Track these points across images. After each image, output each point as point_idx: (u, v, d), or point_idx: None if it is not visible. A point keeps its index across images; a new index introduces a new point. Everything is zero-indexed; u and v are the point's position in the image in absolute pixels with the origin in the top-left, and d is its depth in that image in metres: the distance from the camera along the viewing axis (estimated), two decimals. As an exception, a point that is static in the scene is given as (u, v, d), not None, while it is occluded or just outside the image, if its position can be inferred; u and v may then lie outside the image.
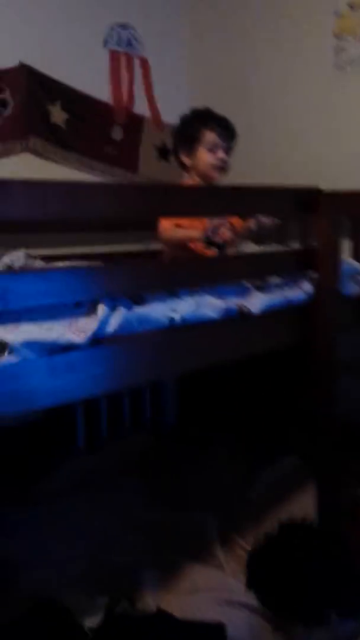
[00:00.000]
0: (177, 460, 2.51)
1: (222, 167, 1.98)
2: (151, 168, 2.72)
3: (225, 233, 1.75)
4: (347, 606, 1.06)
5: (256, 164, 2.23)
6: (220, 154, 1.97)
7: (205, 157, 1.96)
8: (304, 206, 1.69)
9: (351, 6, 2.17)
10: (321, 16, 2.28)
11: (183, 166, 2.03)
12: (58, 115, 2.43)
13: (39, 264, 1.72)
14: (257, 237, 1.96)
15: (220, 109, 2.00)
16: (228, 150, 2.00)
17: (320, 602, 1.05)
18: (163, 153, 2.76)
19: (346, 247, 2.07)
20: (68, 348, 1.22)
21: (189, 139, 1.98)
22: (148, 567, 1.75)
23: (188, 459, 2.49)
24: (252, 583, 1.19)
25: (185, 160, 2.00)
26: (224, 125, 1.99)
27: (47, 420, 2.30)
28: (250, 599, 1.59)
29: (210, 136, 1.96)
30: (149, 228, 2.51)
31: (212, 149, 1.95)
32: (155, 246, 2.64)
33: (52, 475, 2.37)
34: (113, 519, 2.05)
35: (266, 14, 2.49)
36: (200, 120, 1.98)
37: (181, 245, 1.91)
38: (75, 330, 1.24)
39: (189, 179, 2.00)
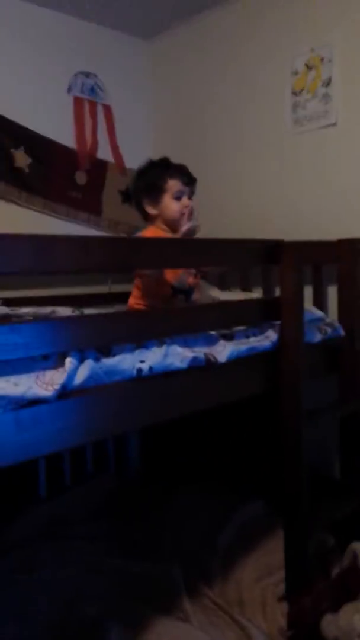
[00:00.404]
0: (142, 506, 2.47)
1: (190, 213, 1.98)
2: (114, 211, 2.75)
3: (190, 279, 1.76)
4: None
5: (215, 214, 2.26)
6: (186, 200, 1.98)
7: (172, 206, 1.97)
8: (269, 257, 1.73)
9: (308, 66, 2.28)
10: (280, 74, 2.36)
11: (146, 216, 2.03)
12: (21, 159, 2.44)
13: (2, 309, 1.70)
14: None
15: (182, 156, 2.02)
16: (191, 195, 2.02)
17: None
18: (126, 197, 2.79)
19: (309, 295, 2.14)
20: (35, 402, 1.20)
21: (153, 189, 1.98)
22: (113, 618, 1.71)
23: (154, 505, 2.45)
24: None
25: (150, 209, 2.00)
26: (185, 172, 2.01)
27: (6, 468, 2.23)
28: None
29: (174, 184, 1.97)
30: (111, 271, 2.53)
31: (178, 197, 1.97)
32: (117, 288, 2.67)
33: (12, 525, 2.29)
34: (76, 568, 2.00)
35: (228, 66, 2.57)
36: (163, 170, 1.99)
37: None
38: (42, 383, 1.22)
39: (155, 228, 2.00)
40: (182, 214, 1.95)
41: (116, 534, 2.23)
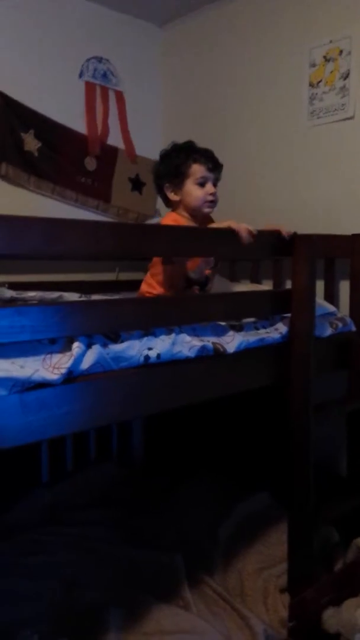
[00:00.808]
0: (144, 494, 2.47)
1: (213, 201, 1.90)
2: (124, 199, 2.73)
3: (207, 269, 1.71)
4: None
5: (227, 206, 2.23)
6: (210, 187, 1.89)
7: (194, 192, 1.87)
8: (281, 249, 1.71)
9: (326, 58, 2.24)
10: (297, 66, 2.32)
11: (167, 201, 1.95)
12: (31, 143, 2.42)
13: (9, 292, 1.70)
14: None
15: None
16: (216, 182, 1.93)
17: None
18: (136, 185, 2.78)
19: (320, 289, 2.12)
20: (41, 385, 1.19)
21: (176, 174, 1.88)
22: (113, 605, 1.71)
23: (156, 493, 2.45)
24: None
25: (172, 196, 1.91)
26: (210, 157, 1.91)
27: (9, 452, 2.23)
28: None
29: (198, 170, 1.87)
30: (121, 258, 2.52)
31: (201, 183, 1.88)
32: (125, 276, 2.66)
33: (15, 509, 2.29)
34: (78, 553, 2.01)
35: (242, 56, 2.54)
36: (187, 154, 1.89)
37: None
38: (49, 367, 1.21)
39: (176, 214, 1.91)
40: (205, 202, 1.88)
41: (118, 521, 2.24)
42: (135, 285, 2.37)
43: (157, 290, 1.86)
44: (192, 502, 2.29)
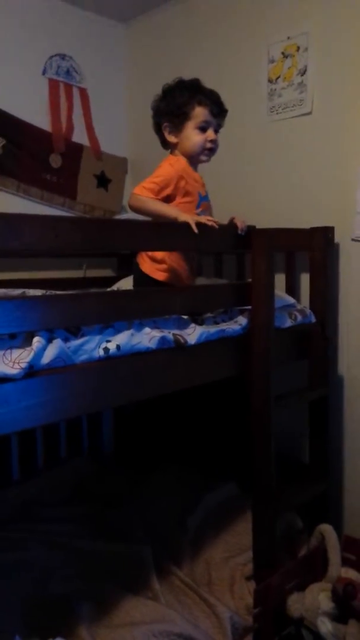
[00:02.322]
0: (114, 489, 2.48)
1: (212, 149, 1.78)
2: (90, 196, 2.74)
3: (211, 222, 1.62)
4: None
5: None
6: (211, 133, 1.76)
7: (194, 137, 1.75)
8: (240, 242, 1.74)
9: (284, 54, 2.28)
10: (256, 62, 2.35)
11: (166, 144, 1.83)
12: (-5, 140, 2.41)
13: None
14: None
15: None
16: (218, 128, 1.80)
17: None
18: (102, 181, 2.79)
19: (282, 283, 2.16)
20: (1, 380, 1.20)
21: (177, 114, 1.75)
22: (84, 598, 1.73)
23: (126, 488, 2.47)
24: None
25: (170, 137, 1.78)
26: (216, 100, 1.76)
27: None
28: (186, 629, 1.59)
29: (201, 113, 1.74)
30: (87, 255, 2.53)
31: (203, 128, 1.75)
32: (92, 273, 2.66)
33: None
34: (48, 548, 2.02)
35: (204, 52, 2.56)
36: (191, 94, 1.75)
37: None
38: (9, 362, 1.22)
39: (175, 157, 1.80)
40: (204, 149, 1.76)
41: (88, 516, 2.25)
42: (102, 282, 2.38)
43: (147, 264, 1.80)
44: (160, 495, 2.32)
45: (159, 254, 1.79)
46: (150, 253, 1.80)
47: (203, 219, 1.63)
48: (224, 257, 2.48)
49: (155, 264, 1.81)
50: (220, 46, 2.50)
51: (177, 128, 1.77)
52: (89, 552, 2.00)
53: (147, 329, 1.48)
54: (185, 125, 1.76)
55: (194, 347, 1.57)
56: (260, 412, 1.74)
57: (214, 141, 1.78)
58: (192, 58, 2.61)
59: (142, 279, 1.82)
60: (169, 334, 1.52)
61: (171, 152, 1.85)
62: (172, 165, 1.77)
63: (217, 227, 1.63)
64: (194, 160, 1.81)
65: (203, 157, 1.80)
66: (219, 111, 1.78)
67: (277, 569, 1.74)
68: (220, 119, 1.80)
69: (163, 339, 1.49)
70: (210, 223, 1.62)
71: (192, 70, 2.57)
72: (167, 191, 1.75)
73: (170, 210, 1.68)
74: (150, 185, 1.73)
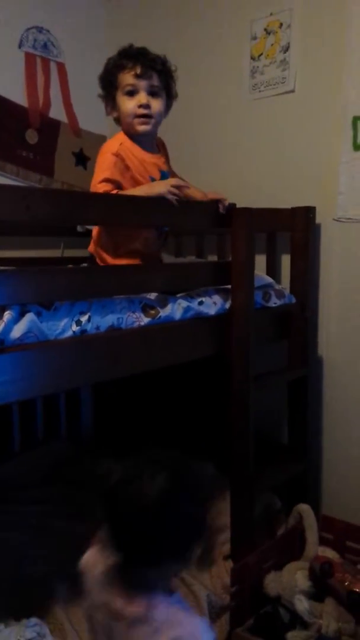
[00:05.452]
0: (92, 471, 2.46)
1: (146, 115, 1.61)
2: (67, 174, 2.68)
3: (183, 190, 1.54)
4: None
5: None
6: (141, 96, 1.60)
7: (123, 105, 1.61)
8: (220, 221, 1.71)
9: (267, 31, 2.24)
10: (239, 38, 2.31)
11: (116, 121, 1.72)
12: (-32, 115, 2.33)
13: None
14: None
15: None
16: (153, 93, 1.62)
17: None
18: (80, 159, 2.73)
19: (262, 264, 2.14)
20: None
21: (107, 87, 1.65)
22: (61, 578, 1.70)
23: (104, 470, 2.45)
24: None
25: (111, 112, 1.68)
26: (141, 61, 1.59)
27: None
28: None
29: (124, 78, 1.60)
30: (65, 234, 2.47)
31: (129, 92, 1.61)
32: (70, 253, 2.61)
33: None
34: (25, 530, 1.99)
35: (186, 27, 2.50)
36: (114, 62, 1.64)
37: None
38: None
39: (121, 134, 1.69)
40: (135, 116, 1.61)
41: (63, 497, 2.23)
42: (81, 262, 2.33)
43: (104, 241, 1.71)
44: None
45: (120, 248, 1.71)
46: (110, 248, 1.72)
47: (173, 181, 1.55)
48: (205, 239, 2.45)
49: (116, 260, 1.72)
50: (203, 22, 2.45)
51: (112, 100, 1.66)
52: (65, 533, 1.98)
53: (123, 306, 1.45)
54: (116, 95, 1.64)
55: (171, 325, 1.55)
56: (239, 393, 1.73)
57: (145, 105, 1.60)
58: (174, 34, 2.55)
59: None
60: (147, 312, 1.50)
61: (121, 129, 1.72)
62: (107, 151, 1.65)
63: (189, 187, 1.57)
64: (131, 132, 1.66)
65: (138, 127, 1.63)
66: (144, 70, 1.59)
67: (255, 549, 1.75)
68: (150, 78, 1.60)
69: (139, 318, 1.46)
70: (183, 183, 1.57)
71: (173, 47, 2.52)
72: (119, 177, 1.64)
73: (138, 192, 1.58)
74: (106, 187, 1.61)
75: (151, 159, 1.74)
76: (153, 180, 1.68)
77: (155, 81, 1.63)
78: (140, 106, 1.60)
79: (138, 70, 1.59)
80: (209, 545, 1.78)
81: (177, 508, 1.01)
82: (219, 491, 2.12)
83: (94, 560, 1.16)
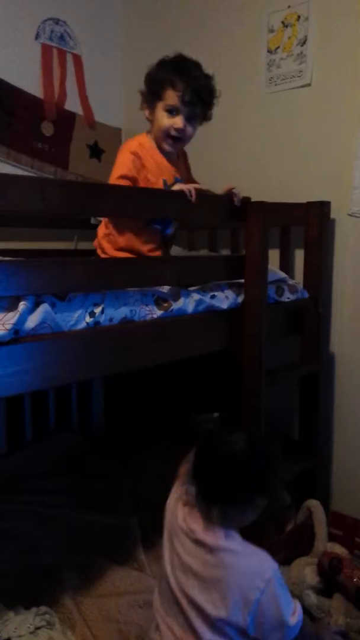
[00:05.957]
0: (103, 462, 2.48)
1: (177, 138, 1.65)
2: (82, 166, 2.68)
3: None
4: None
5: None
6: (179, 120, 1.63)
7: (161, 120, 1.64)
8: (234, 215, 1.70)
9: (284, 23, 2.22)
10: (256, 31, 2.29)
11: (148, 119, 1.75)
12: (-16, 106, 2.34)
13: None
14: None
15: None
16: (191, 118, 1.65)
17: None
18: (95, 152, 2.73)
19: (276, 258, 2.13)
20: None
21: (151, 92, 1.66)
22: (69, 568, 1.74)
23: (115, 461, 2.46)
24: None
25: (147, 113, 1.70)
26: (192, 85, 1.60)
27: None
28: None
29: (170, 96, 1.62)
30: (79, 226, 2.48)
31: (170, 111, 1.63)
32: (84, 245, 2.62)
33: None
34: (35, 519, 2.02)
35: (203, 21, 2.49)
36: (167, 73, 1.63)
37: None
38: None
39: (143, 137, 1.72)
40: (167, 135, 1.65)
41: (75, 488, 2.25)
42: (94, 254, 2.34)
43: (111, 233, 1.73)
44: (149, 469, 2.31)
45: (122, 242, 1.71)
46: (112, 243, 1.73)
47: (191, 186, 1.57)
48: (218, 233, 2.45)
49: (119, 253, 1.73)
50: (220, 15, 2.43)
51: (151, 105, 1.69)
52: (75, 523, 2.00)
53: (136, 298, 1.45)
54: (157, 104, 1.67)
55: (184, 319, 1.55)
56: (251, 387, 1.73)
57: (180, 130, 1.64)
58: (191, 27, 2.54)
59: None
60: (160, 305, 1.50)
61: (148, 131, 1.76)
62: (126, 150, 1.68)
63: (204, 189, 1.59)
64: (158, 144, 1.71)
65: (166, 145, 1.68)
66: (192, 100, 1.62)
67: (265, 543, 1.75)
68: (194, 108, 1.64)
69: (153, 311, 1.47)
70: (197, 186, 1.59)
71: (190, 40, 2.53)
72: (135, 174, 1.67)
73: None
74: (123, 183, 1.64)
75: (168, 165, 1.76)
76: (165, 182, 1.70)
77: (198, 109, 1.66)
78: (176, 129, 1.65)
79: (186, 97, 1.61)
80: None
81: (259, 455, 1.23)
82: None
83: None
